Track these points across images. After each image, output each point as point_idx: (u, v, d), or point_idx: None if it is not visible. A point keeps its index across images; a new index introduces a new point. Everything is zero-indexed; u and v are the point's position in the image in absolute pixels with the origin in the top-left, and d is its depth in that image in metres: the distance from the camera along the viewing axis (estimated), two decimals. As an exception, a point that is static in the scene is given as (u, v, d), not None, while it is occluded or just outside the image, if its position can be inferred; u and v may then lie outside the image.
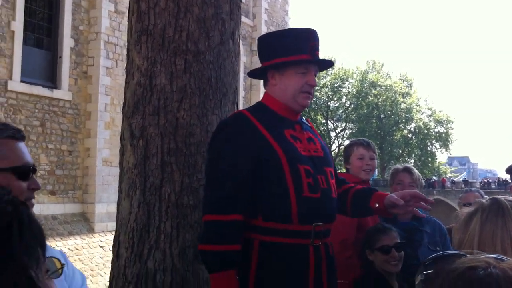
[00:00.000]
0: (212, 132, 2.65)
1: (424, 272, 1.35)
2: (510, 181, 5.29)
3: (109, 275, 3.18)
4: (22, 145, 1.75)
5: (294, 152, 2.49)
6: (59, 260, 1.33)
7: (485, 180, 59.37)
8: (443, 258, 1.38)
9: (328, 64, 2.82)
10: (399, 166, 4.03)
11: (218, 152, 2.47)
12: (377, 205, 2.67)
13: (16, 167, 1.68)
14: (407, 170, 3.90)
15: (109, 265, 3.20)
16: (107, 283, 3.19)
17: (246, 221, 2.41)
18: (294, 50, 2.54)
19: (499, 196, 1.77)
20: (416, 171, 3.94)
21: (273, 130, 2.51)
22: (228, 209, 2.36)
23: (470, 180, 60.91)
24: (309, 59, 2.56)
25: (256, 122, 2.50)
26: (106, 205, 16.66)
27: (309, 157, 2.54)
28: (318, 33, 2.62)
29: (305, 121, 2.78)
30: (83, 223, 16.51)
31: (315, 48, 2.58)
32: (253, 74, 2.81)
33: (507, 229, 1.64)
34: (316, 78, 2.65)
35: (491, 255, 1.12)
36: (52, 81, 16.54)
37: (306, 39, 2.57)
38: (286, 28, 28.27)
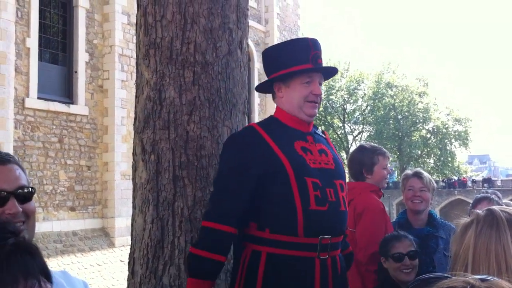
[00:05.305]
0: (223, 144, 2.71)
1: None
2: None
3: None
4: None
5: (302, 165, 2.48)
6: None
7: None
8: (427, 280, 1.34)
9: (333, 71, 2.80)
10: (409, 171, 3.92)
11: (226, 166, 2.53)
12: None
13: None
14: (417, 175, 3.79)
15: (127, 281, 3.17)
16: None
17: (253, 234, 2.47)
18: (296, 60, 2.55)
19: (495, 207, 1.73)
20: (427, 175, 3.83)
21: (283, 143, 2.51)
22: (230, 221, 2.42)
23: (493, 178, 60.10)
24: (311, 68, 2.56)
25: (265, 135, 2.51)
26: (125, 219, 16.54)
27: (318, 169, 2.51)
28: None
29: (320, 133, 2.77)
30: (103, 238, 16.56)
31: (317, 57, 2.58)
32: (261, 89, 2.82)
33: (501, 242, 1.60)
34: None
35: (477, 276, 1.09)
36: (69, 96, 16.68)
37: (307, 49, 2.57)
38: (299, 32, 28.27)
